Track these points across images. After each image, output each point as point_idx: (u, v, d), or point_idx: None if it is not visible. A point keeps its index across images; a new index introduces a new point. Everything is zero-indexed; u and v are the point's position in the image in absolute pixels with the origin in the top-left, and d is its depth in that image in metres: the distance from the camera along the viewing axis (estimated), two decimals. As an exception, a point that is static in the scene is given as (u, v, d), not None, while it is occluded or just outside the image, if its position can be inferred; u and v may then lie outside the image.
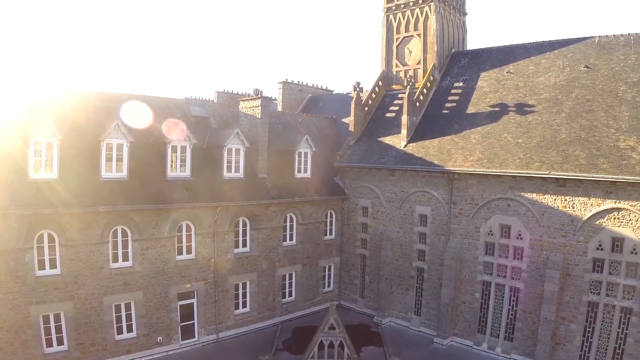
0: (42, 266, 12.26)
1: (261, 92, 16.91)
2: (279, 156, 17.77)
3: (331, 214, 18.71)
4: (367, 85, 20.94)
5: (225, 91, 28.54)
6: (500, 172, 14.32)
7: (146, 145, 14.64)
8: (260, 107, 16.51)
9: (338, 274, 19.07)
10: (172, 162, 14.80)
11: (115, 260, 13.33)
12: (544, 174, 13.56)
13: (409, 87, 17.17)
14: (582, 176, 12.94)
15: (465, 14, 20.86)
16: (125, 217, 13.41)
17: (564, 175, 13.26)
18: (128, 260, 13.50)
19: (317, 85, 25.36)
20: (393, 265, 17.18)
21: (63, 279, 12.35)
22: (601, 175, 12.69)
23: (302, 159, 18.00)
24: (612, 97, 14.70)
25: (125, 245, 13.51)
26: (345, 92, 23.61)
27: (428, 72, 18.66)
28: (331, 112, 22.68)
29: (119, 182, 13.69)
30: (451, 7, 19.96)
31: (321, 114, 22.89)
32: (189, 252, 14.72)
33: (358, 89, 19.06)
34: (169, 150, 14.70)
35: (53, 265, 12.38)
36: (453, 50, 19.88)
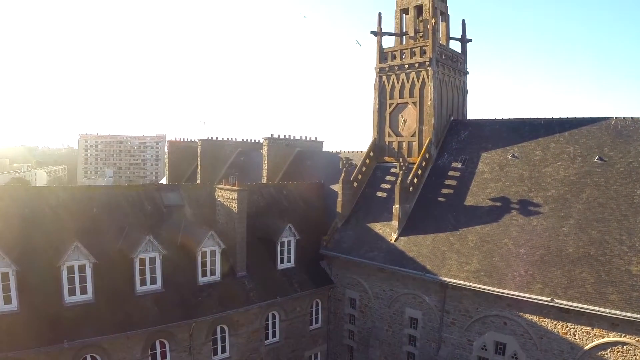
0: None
1: (237, 181, 15.97)
2: (260, 244, 17.00)
3: (317, 302, 18.08)
4: (361, 141, 19.75)
5: (210, 138, 27.56)
6: (498, 291, 13.40)
7: (112, 260, 13.98)
8: (237, 201, 15.61)
9: (326, 361, 18.66)
10: (140, 275, 14.22)
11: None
12: (546, 301, 12.67)
13: (401, 172, 16.04)
14: (587, 309, 12.06)
15: (466, 73, 19.28)
16: (93, 346, 12.95)
17: (567, 305, 12.34)
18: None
19: (305, 137, 24.19)
20: (382, 364, 16.63)
21: None
22: (608, 310, 11.76)
23: (285, 248, 17.21)
24: (628, 203, 13.50)
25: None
26: (335, 151, 22.47)
27: (424, 148, 17.41)
28: (320, 172, 21.67)
29: (85, 305, 13.17)
30: (451, 69, 18.40)
31: (309, 174, 21.93)
32: (162, 370, 14.26)
33: (347, 165, 17.93)
34: (137, 264, 13.99)
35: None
36: (452, 119, 18.48)
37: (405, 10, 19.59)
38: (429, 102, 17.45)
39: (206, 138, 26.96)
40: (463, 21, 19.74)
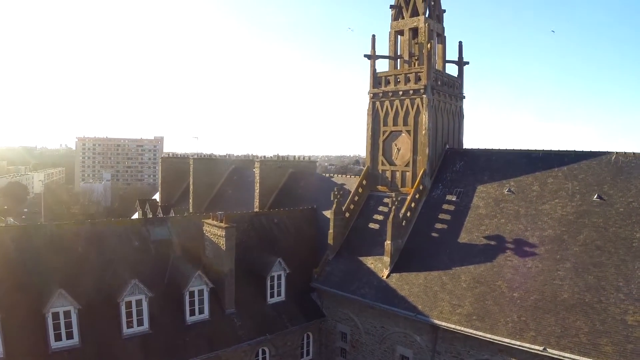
0: None
1: (224, 217, 15.77)
2: (250, 277, 16.87)
3: (308, 335, 18.01)
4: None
5: (203, 155, 27.40)
6: (490, 337, 13.22)
7: (98, 303, 13.90)
8: (224, 239, 15.46)
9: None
10: (127, 318, 14.18)
11: None
12: (538, 350, 12.49)
13: (394, 208, 15.79)
14: (581, 361, 11.88)
15: (462, 98, 18.85)
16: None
17: (559, 355, 12.12)
18: None
19: (298, 157, 23.94)
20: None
21: None
22: (602, 363, 11.61)
23: (275, 282, 17.09)
24: (626, 247, 13.20)
25: None
26: (327, 175, 22.22)
27: (417, 180, 17.11)
28: (313, 195, 21.50)
29: (71, 351, 13.14)
30: (446, 95, 17.99)
31: (302, 197, 21.74)
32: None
33: (338, 196, 17.67)
34: (123, 307, 13.93)
35: None
36: (447, 147, 18.13)
37: (400, 32, 19.13)
38: (424, 132, 17.10)
39: (199, 154, 26.79)
40: (460, 43, 19.27)
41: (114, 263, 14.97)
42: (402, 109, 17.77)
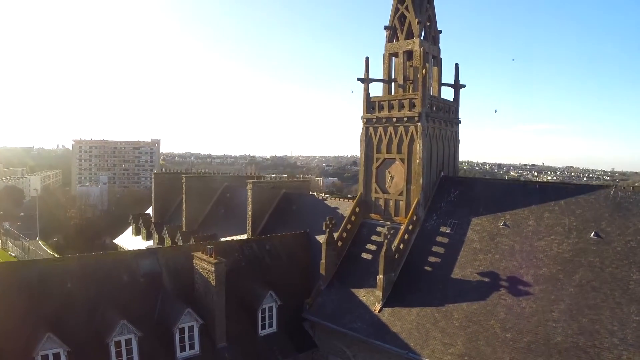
0: None
1: (213, 251, 15.62)
2: (241, 310, 16.80)
3: (301, 366, 18.06)
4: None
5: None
6: (482, 381, 13.19)
7: (87, 344, 13.84)
8: (214, 274, 15.36)
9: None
10: (117, 357, 14.11)
11: None
12: (531, 396, 12.44)
13: (386, 241, 15.62)
14: (574, 409, 11.80)
15: (458, 122, 18.57)
16: None
17: (552, 402, 12.13)
18: None
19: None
20: None
21: None
22: (596, 413, 11.53)
23: (267, 313, 17.00)
24: (622, 289, 13.03)
25: None
26: (322, 197, 22.05)
27: (411, 210, 16.90)
28: (306, 217, 21.40)
29: (56, 394, 13.16)
30: (442, 121, 17.72)
31: (295, 220, 21.64)
32: None
33: (330, 225, 17.52)
34: (112, 347, 13.88)
35: None
36: (442, 174, 17.91)
37: (394, 54, 18.80)
38: (418, 161, 16.86)
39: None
40: (456, 65, 18.91)
41: (103, 301, 14.88)
42: (395, 136, 17.51)
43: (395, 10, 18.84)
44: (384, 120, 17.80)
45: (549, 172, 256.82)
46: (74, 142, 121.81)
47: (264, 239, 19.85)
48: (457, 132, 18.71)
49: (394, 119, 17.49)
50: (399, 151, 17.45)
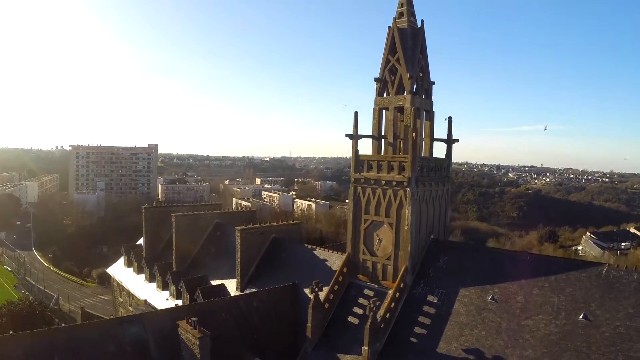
0: None
1: (195, 321, 15.34)
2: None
3: None
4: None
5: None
6: None
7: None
8: (199, 347, 15.08)
9: None
10: None
11: None
12: None
13: (371, 314, 15.29)
14: None
15: (449, 180, 18.19)
16: None
17: None
18: None
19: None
20: None
21: None
22: None
23: (252, 379, 16.87)
24: (609, 379, 12.78)
25: None
26: (310, 247, 21.76)
27: (399, 278, 16.60)
28: (295, 266, 21.18)
29: None
30: (432, 183, 17.33)
31: (284, 268, 21.40)
32: None
33: (316, 290, 17.22)
34: None
35: None
36: (432, 237, 17.57)
37: (385, 108, 18.35)
38: (406, 227, 16.51)
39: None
40: (449, 119, 18.50)
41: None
42: (384, 199, 17.14)
43: (386, 61, 18.36)
44: (372, 181, 17.42)
45: (548, 174, 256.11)
46: (71, 148, 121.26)
47: (251, 295, 19.68)
48: (448, 190, 18.33)
49: (383, 182, 17.11)
50: (387, 215, 17.09)
